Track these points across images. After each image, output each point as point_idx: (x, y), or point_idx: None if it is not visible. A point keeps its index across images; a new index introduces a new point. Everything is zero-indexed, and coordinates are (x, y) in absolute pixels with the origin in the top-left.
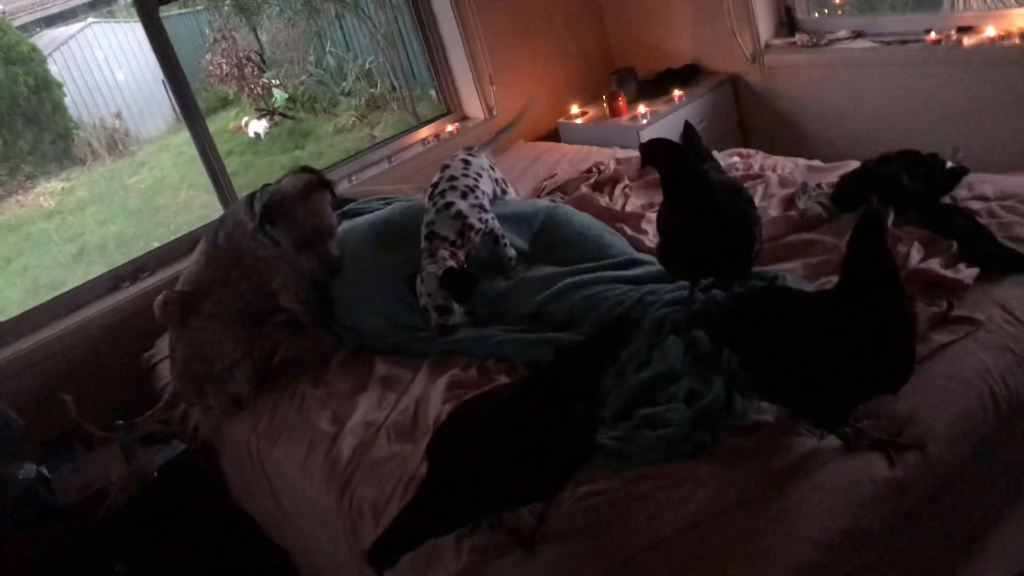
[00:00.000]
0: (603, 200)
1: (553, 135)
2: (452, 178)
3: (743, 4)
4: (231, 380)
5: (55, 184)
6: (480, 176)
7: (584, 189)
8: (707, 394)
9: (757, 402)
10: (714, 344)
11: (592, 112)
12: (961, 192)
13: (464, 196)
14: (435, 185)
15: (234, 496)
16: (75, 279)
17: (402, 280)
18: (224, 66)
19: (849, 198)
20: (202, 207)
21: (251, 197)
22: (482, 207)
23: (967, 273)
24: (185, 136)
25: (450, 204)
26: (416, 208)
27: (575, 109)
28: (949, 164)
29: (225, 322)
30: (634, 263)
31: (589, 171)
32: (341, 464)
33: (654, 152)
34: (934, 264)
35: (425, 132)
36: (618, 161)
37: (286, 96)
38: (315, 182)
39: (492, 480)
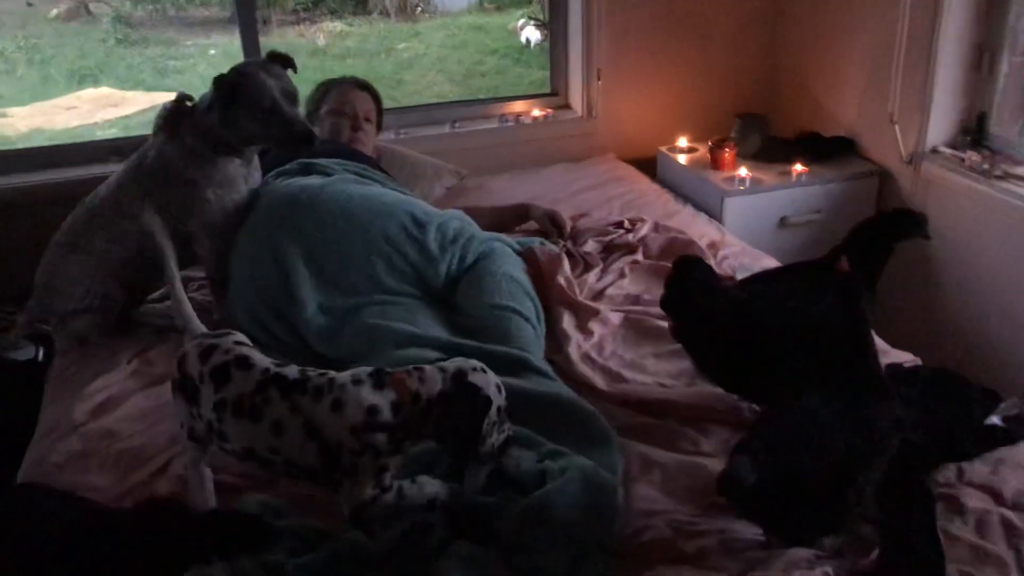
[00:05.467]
0: (568, 271)
1: (650, 165)
2: None
3: (917, 88)
4: (73, 322)
5: (336, 25)
6: None
7: (591, 244)
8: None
9: None
10: None
11: (701, 152)
12: (977, 469)
13: None
14: None
15: None
16: None
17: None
18: None
19: None
20: (436, 96)
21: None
22: None
23: None
24: (469, 20)
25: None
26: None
27: (683, 142)
28: (994, 418)
29: (105, 266)
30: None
31: (619, 224)
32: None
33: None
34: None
35: (518, 107)
36: (656, 228)
37: None
38: (272, 57)
39: None
